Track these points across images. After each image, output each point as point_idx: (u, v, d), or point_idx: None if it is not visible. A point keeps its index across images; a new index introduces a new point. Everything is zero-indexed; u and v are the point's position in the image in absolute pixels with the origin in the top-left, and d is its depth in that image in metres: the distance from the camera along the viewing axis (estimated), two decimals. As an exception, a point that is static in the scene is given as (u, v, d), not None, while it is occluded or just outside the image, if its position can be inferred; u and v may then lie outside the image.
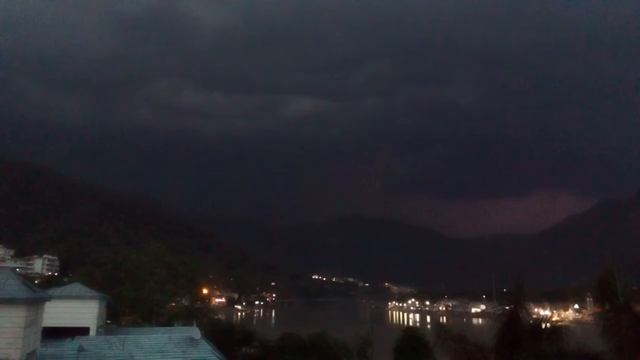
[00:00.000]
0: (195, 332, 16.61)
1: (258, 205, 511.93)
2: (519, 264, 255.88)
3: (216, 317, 49.32)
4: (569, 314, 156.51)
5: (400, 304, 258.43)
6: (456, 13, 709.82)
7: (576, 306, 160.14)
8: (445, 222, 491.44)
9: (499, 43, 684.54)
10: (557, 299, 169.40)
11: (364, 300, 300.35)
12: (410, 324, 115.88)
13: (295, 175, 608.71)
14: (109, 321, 24.80)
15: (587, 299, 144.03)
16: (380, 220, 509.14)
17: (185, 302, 38.96)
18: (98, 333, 18.35)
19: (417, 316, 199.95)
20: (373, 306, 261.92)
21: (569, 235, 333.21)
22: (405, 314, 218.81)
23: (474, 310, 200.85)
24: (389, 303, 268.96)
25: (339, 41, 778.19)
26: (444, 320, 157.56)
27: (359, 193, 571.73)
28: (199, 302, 39.36)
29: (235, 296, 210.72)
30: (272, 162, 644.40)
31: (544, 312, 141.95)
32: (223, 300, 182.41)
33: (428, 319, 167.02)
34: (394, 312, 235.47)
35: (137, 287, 33.53)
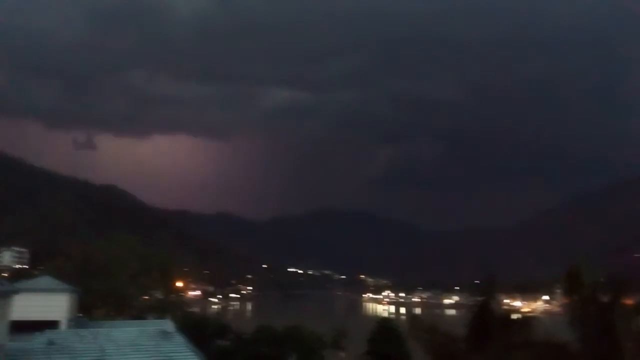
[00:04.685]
0: (168, 325, 16.42)
1: (234, 197, 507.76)
2: (492, 256, 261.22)
3: (190, 310, 48.94)
4: (539, 305, 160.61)
5: (376, 296, 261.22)
6: (435, 7, 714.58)
7: (546, 297, 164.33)
8: (421, 215, 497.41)
9: (479, 39, 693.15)
10: (528, 291, 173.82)
11: (339, 292, 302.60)
12: (385, 315, 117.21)
13: (272, 168, 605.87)
14: (80, 314, 24.35)
15: (557, 291, 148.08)
16: (357, 212, 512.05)
17: (158, 295, 38.52)
18: (69, 327, 18.01)
19: (392, 307, 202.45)
20: (348, 298, 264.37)
21: (540, 228, 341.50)
22: (380, 306, 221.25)
23: (447, 301, 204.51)
24: (365, 295, 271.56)
25: (318, 32, 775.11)
26: (418, 312, 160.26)
27: (337, 186, 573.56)
28: (172, 295, 38.97)
29: (211, 289, 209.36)
30: (249, 154, 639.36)
31: (515, 304, 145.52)
32: (198, 293, 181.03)
33: (402, 310, 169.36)
34: (369, 304, 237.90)
35: (109, 279, 32.99)
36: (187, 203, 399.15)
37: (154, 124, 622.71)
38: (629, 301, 15.22)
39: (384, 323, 32.64)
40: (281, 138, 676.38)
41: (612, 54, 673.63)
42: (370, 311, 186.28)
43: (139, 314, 33.07)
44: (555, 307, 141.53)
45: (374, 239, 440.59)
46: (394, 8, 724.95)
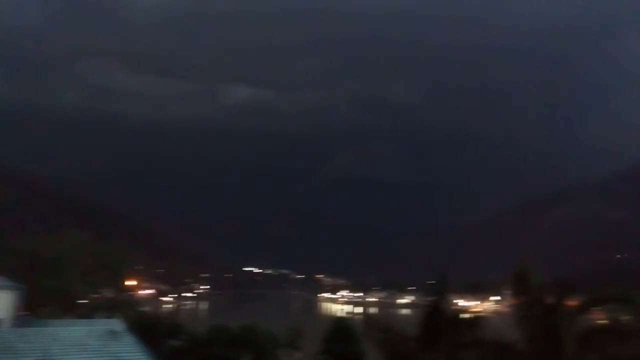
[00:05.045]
0: (117, 324, 15.97)
1: (191, 195, 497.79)
2: (445, 257, 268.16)
3: (142, 309, 47.73)
4: (489, 305, 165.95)
5: (332, 295, 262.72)
6: (398, 11, 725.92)
7: (496, 298, 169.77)
8: (378, 215, 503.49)
9: (440, 44, 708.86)
10: (478, 291, 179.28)
11: (296, 292, 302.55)
12: (341, 314, 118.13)
13: (231, 165, 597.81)
14: (25, 313, 23.29)
15: (506, 292, 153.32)
16: (315, 212, 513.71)
17: (109, 293, 37.36)
18: (12, 325, 17.26)
19: (348, 307, 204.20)
20: (305, 298, 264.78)
21: (492, 231, 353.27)
22: (336, 305, 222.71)
23: (402, 301, 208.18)
24: (321, 294, 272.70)
25: (281, 31, 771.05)
26: (374, 311, 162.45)
27: (296, 185, 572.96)
28: (124, 294, 37.89)
29: (164, 288, 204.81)
30: (209, 150, 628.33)
31: (466, 303, 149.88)
32: (151, 291, 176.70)
33: (358, 309, 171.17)
34: (326, 304, 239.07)
35: (57, 277, 31.72)
36: (142, 199, 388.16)
37: (106, 116, 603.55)
38: (572, 302, 15.93)
39: (339, 322, 32.99)
40: (241, 136, 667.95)
41: (565, 63, 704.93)
42: (327, 311, 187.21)
43: (88, 313, 32.02)
44: (504, 307, 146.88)
45: (332, 239, 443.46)
46: (356, 9, 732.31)
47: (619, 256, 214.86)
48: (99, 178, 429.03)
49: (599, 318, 16.64)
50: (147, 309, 62.99)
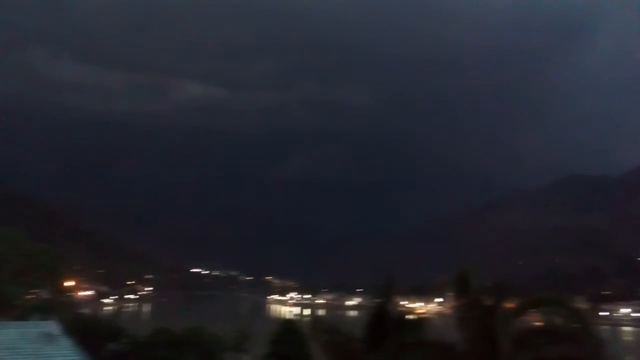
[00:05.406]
0: (52, 327, 15.22)
1: (137, 193, 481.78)
2: (393, 259, 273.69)
3: (81, 311, 45.79)
4: (433, 307, 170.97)
5: (281, 297, 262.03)
6: (355, 19, 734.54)
7: (440, 300, 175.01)
8: (328, 218, 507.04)
9: (392, 53, 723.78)
10: (424, 293, 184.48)
11: (245, 294, 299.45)
12: (289, 316, 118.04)
13: (180, 163, 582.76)
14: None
15: (448, 294, 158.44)
16: (264, 213, 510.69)
17: (45, 294, 35.56)
18: None
19: (297, 309, 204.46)
20: (254, 299, 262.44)
21: (437, 235, 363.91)
22: (285, 307, 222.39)
23: (350, 303, 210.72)
24: (270, 296, 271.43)
25: (236, 29, 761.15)
26: (322, 313, 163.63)
27: (246, 185, 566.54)
28: (61, 295, 36.17)
29: (105, 289, 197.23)
30: (157, 147, 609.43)
31: (412, 305, 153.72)
32: (90, 293, 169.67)
33: (307, 311, 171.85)
34: (275, 306, 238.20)
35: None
36: (83, 196, 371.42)
37: (48, 107, 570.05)
38: (509, 305, 16.63)
39: (286, 324, 32.88)
40: (191, 133, 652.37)
41: (509, 77, 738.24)
42: (275, 313, 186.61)
43: (22, 315, 30.36)
44: (446, 309, 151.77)
45: (282, 240, 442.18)
46: (315, 13, 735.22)
47: (555, 261, 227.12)
48: (37, 172, 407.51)
49: (534, 320, 17.41)
50: (86, 311, 60.55)
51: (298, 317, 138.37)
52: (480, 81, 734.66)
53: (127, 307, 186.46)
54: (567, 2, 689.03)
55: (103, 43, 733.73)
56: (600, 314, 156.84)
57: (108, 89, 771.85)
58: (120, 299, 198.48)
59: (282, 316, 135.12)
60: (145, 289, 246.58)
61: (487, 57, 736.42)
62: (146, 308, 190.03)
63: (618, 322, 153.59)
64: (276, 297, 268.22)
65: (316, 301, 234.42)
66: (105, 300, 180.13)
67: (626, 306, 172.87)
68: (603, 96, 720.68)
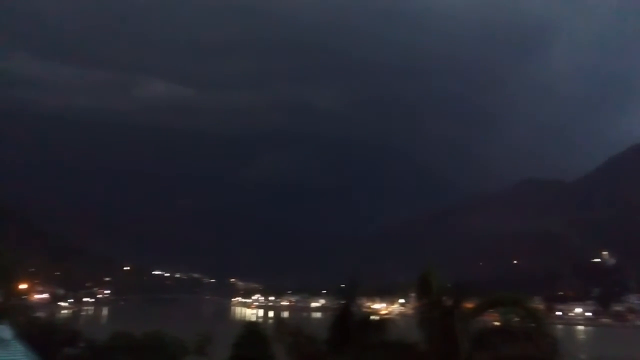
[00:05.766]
0: (4, 331, 14.60)
1: (97, 193, 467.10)
2: (358, 261, 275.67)
3: (35, 315, 44.06)
4: (395, 307, 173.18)
5: (245, 300, 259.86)
6: (327, 21, 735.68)
7: (402, 301, 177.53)
8: (292, 219, 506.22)
9: (363, 57, 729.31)
10: (387, 294, 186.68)
11: (208, 297, 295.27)
12: (253, 319, 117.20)
13: (144, 162, 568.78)
14: None
15: (411, 295, 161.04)
16: (228, 215, 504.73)
17: (-4, 298, 33.99)
18: None
19: (261, 311, 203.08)
20: (217, 302, 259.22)
21: (400, 237, 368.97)
22: (249, 310, 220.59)
23: (314, 304, 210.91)
24: (234, 299, 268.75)
25: (206, 28, 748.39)
26: (286, 315, 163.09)
27: (212, 185, 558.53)
28: (14, 298, 34.66)
29: (61, 292, 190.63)
30: (120, 146, 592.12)
31: (375, 306, 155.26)
32: (46, 296, 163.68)
33: (271, 314, 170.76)
34: (239, 308, 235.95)
35: None
36: (40, 196, 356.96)
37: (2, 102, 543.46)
38: (469, 305, 17.05)
39: (250, 327, 32.61)
40: (156, 132, 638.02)
41: (477, 84, 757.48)
42: (239, 315, 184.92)
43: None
44: (409, 309, 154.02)
45: (247, 242, 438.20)
46: (283, 13, 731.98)
47: (514, 263, 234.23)
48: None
49: (493, 320, 17.90)
50: (41, 314, 58.23)
51: (262, 319, 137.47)
52: (447, 88, 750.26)
53: (85, 310, 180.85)
54: (526, 19, 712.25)
55: (64, 39, 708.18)
56: (556, 313, 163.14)
57: (68, 84, 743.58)
58: (78, 302, 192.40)
59: (246, 318, 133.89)
60: (105, 291, 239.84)
61: (453, 66, 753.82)
62: (104, 311, 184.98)
63: (572, 321, 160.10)
64: (240, 299, 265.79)
65: (281, 303, 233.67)
66: (62, 304, 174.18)
67: (580, 306, 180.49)
68: (557, 107, 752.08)
